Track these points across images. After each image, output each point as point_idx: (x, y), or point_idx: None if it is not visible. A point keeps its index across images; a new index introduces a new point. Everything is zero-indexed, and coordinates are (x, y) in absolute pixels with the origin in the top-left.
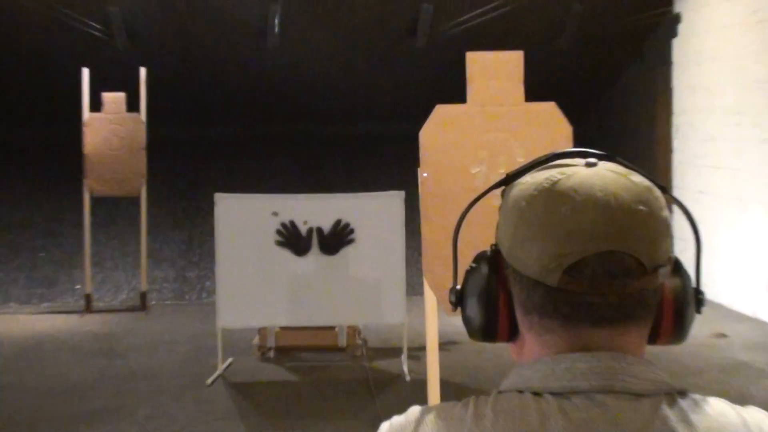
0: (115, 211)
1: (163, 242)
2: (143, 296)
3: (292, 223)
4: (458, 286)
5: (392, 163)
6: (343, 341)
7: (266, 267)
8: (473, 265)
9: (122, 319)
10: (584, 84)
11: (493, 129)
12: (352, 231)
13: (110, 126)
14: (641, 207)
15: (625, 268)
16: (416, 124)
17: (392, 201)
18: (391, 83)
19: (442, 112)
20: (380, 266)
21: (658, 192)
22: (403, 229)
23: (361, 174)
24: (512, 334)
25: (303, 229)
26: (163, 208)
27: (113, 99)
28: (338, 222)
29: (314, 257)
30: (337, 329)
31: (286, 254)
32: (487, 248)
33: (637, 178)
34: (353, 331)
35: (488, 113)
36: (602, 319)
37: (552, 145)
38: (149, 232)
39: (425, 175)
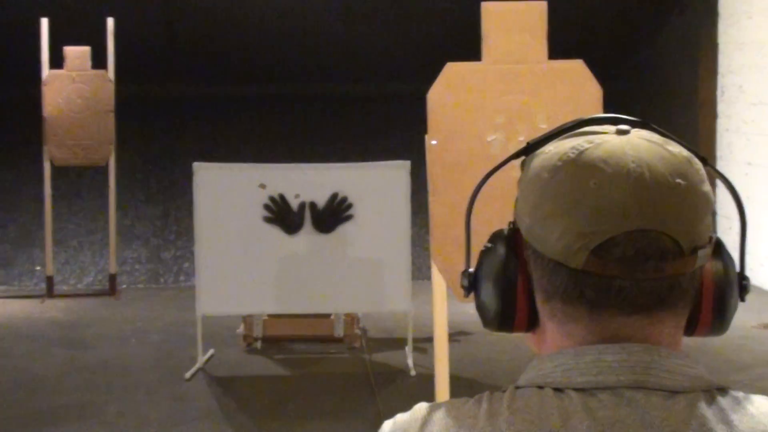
0: (79, 182)
1: (134, 218)
2: (112, 279)
3: (282, 196)
4: (471, 269)
5: (396, 129)
6: (339, 331)
7: (252, 246)
8: (488, 245)
9: (89, 305)
10: (616, 39)
11: (511, 90)
12: (350, 206)
13: (73, 85)
14: (679, 180)
15: (659, 249)
16: (424, 84)
17: (396, 172)
18: (397, 36)
19: (453, 70)
20: (382, 246)
21: (698, 164)
22: (409, 204)
23: (360, 141)
24: (531, 323)
25: (294, 204)
26: (135, 179)
27: (77, 54)
28: (334, 196)
29: (307, 236)
30: (333, 317)
31: (275, 232)
32: (505, 226)
33: (675, 148)
34: (351, 319)
35: (506, 72)
36: (633, 306)
37: (579, 109)
38: (119, 207)
39: (434, 142)
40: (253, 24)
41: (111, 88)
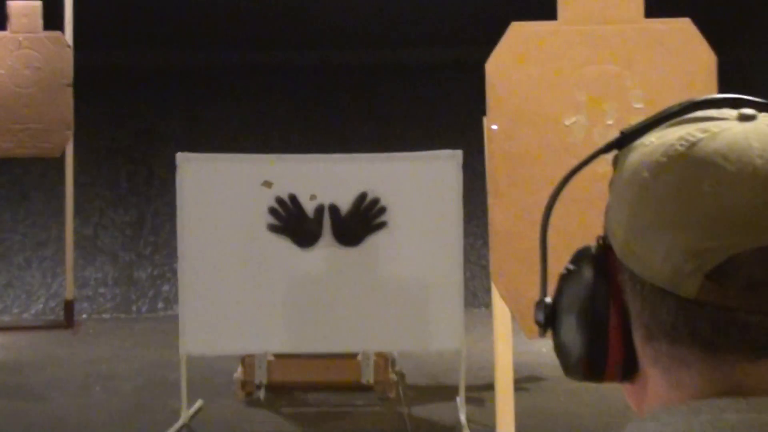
0: (26, 179)
1: (98, 226)
2: (69, 307)
3: (294, 198)
4: (548, 299)
5: (444, 109)
6: (369, 376)
7: (254, 264)
8: (570, 267)
9: (38, 341)
10: None
11: (596, 59)
12: (382, 210)
13: (19, 51)
14: None
15: None
16: (480, 50)
17: (443, 166)
18: None
19: (519, 32)
20: (425, 263)
21: None
22: (460, 207)
23: (396, 124)
24: (628, 369)
25: (309, 208)
26: (99, 175)
27: (23, 10)
28: (362, 197)
29: (326, 249)
30: (360, 358)
31: (285, 245)
32: (591, 241)
33: None
34: (384, 361)
35: (589, 35)
36: (763, 348)
37: (686, 83)
38: (78, 212)
39: (494, 127)
40: None
41: (69, 55)
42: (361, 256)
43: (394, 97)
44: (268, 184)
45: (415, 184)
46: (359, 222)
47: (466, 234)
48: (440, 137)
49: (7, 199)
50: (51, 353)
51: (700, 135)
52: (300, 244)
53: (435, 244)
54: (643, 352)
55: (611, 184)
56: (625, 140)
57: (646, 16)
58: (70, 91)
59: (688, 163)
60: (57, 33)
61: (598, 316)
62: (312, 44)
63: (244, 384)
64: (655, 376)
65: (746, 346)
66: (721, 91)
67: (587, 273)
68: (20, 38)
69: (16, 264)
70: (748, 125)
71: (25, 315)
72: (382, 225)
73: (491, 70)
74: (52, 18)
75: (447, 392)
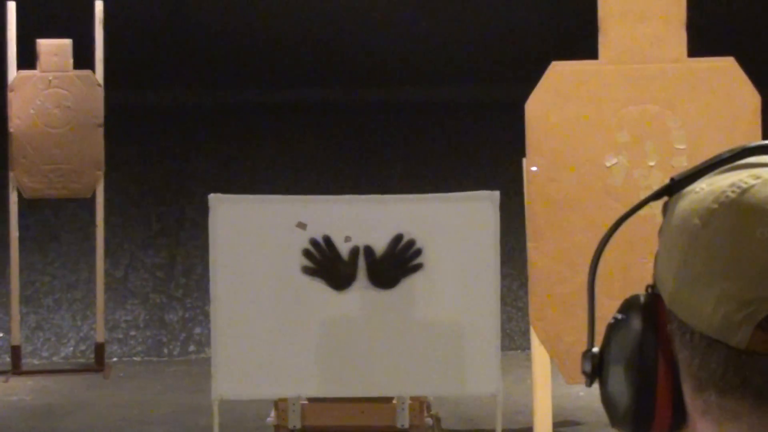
0: (56, 220)
1: (129, 268)
2: (100, 350)
3: (328, 239)
4: (596, 349)
5: (482, 149)
6: (404, 420)
7: (287, 307)
8: (619, 316)
9: (68, 385)
10: None
11: (638, 98)
12: (418, 252)
13: (49, 90)
14: None
15: None
16: (521, 89)
17: (480, 207)
18: (485, 25)
19: (560, 71)
20: (462, 306)
21: None
22: (498, 249)
23: (433, 165)
24: (677, 421)
25: (344, 250)
26: (130, 216)
27: (54, 48)
28: (398, 238)
29: (361, 292)
30: (395, 402)
31: (319, 287)
32: (632, 287)
33: None
34: (420, 404)
35: (631, 74)
36: None
37: (730, 124)
38: (108, 253)
39: (534, 169)
40: (289, 7)
41: (100, 94)
42: (396, 298)
43: (430, 136)
44: (302, 225)
45: (452, 225)
46: (394, 264)
47: (503, 276)
48: (478, 178)
49: (36, 240)
50: (81, 397)
51: (752, 181)
52: (334, 287)
53: (471, 286)
54: (693, 403)
55: (660, 231)
56: (675, 187)
57: (689, 56)
58: (101, 131)
59: (741, 210)
60: (88, 72)
61: (646, 367)
62: (346, 82)
63: (277, 428)
64: (705, 428)
65: None
66: (765, 131)
67: (636, 322)
68: (50, 77)
69: (46, 306)
70: None
71: (54, 358)
72: (417, 267)
73: (531, 110)
74: (82, 56)
75: None
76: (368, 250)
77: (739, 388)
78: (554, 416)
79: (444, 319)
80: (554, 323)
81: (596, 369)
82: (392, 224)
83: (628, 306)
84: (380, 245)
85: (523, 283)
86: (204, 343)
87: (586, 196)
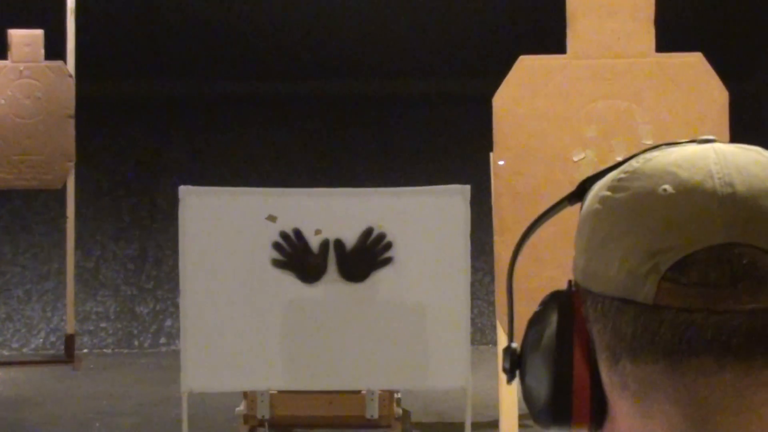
0: (27, 211)
1: (100, 259)
2: (70, 341)
3: (298, 232)
4: (515, 345)
5: (451, 143)
6: (373, 412)
7: (257, 299)
8: (538, 309)
9: (37, 376)
10: (746, 26)
11: (606, 93)
12: (389, 246)
13: (20, 80)
14: None
15: (756, 268)
16: (488, 83)
17: (451, 201)
18: (452, 19)
19: (528, 66)
20: (432, 300)
21: None
22: (468, 243)
23: (403, 158)
24: (598, 414)
25: (314, 243)
26: (101, 208)
27: (25, 39)
28: (368, 232)
29: (331, 285)
30: (364, 394)
31: (288, 280)
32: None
33: None
34: (389, 396)
35: (599, 69)
36: (726, 352)
37: (697, 119)
38: (79, 245)
39: (501, 163)
40: (260, 1)
41: (71, 85)
42: (366, 291)
43: (400, 129)
44: (272, 218)
45: (422, 219)
46: (365, 257)
47: (474, 270)
48: (448, 171)
49: (7, 231)
50: (51, 388)
51: (655, 152)
52: (304, 280)
53: (441, 280)
54: (611, 383)
55: (576, 232)
56: (585, 189)
57: (657, 51)
58: (71, 122)
59: (644, 174)
60: (59, 63)
61: (561, 358)
62: (317, 75)
63: (247, 419)
64: (625, 415)
65: (706, 349)
66: (732, 126)
67: (552, 314)
68: (21, 67)
69: (16, 297)
70: (705, 145)
71: (25, 349)
72: (388, 261)
73: (498, 104)
74: (53, 47)
75: (452, 430)
76: (338, 244)
77: (650, 347)
78: (521, 409)
79: (414, 313)
80: (520, 318)
81: (515, 364)
82: (363, 218)
83: (548, 299)
84: (350, 238)
85: (493, 280)
86: (175, 335)
87: (553, 190)
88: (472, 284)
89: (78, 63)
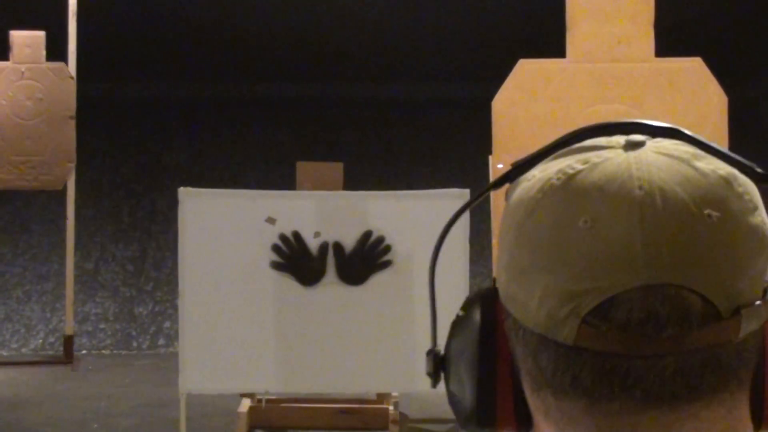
0: (27, 211)
1: (99, 260)
2: (68, 342)
3: (297, 235)
4: (439, 348)
5: (450, 147)
6: (370, 417)
7: (256, 301)
8: (460, 313)
9: (36, 377)
10: (746, 30)
11: (605, 97)
12: (387, 249)
13: (21, 82)
14: (709, 211)
15: (680, 311)
16: (488, 87)
17: (450, 204)
18: (454, 23)
19: (527, 70)
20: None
21: (745, 185)
22: (467, 247)
23: (402, 162)
24: (522, 422)
25: (313, 245)
26: (101, 209)
27: (27, 40)
28: (367, 235)
29: (330, 288)
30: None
31: (287, 282)
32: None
33: (709, 165)
34: (386, 401)
35: (598, 73)
36: (648, 397)
37: (696, 122)
38: (79, 245)
39: (500, 166)
40: (263, 3)
41: (72, 86)
42: (364, 295)
43: (400, 133)
44: (271, 220)
45: (421, 222)
46: (363, 260)
47: (473, 274)
48: (447, 176)
49: (7, 231)
50: (49, 389)
51: (579, 167)
52: (303, 282)
53: (440, 283)
54: (534, 404)
55: (500, 222)
56: (514, 173)
57: (656, 56)
58: (72, 123)
59: (564, 198)
60: (60, 64)
61: (484, 365)
62: (318, 78)
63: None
64: (549, 430)
65: (629, 394)
66: (731, 130)
67: (474, 317)
68: (23, 69)
69: (16, 297)
70: (632, 154)
71: (23, 350)
72: (386, 264)
73: (498, 107)
74: (55, 49)
75: None
76: (337, 247)
77: (570, 387)
78: None
79: (412, 316)
80: None
81: (438, 369)
82: (362, 221)
83: (471, 301)
84: (349, 241)
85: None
86: (173, 337)
87: None
88: (470, 288)
89: (79, 64)
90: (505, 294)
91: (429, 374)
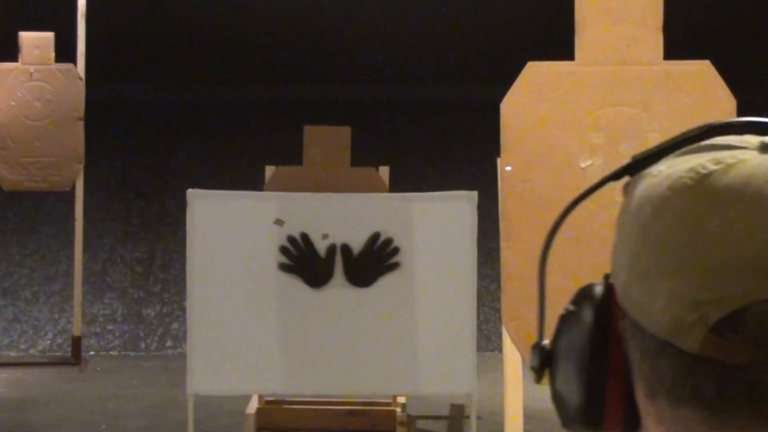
0: (36, 212)
1: (108, 262)
2: (76, 343)
3: (305, 236)
4: (546, 342)
5: (459, 149)
6: (378, 419)
7: (264, 303)
8: (570, 308)
9: (44, 378)
10: (754, 34)
11: (614, 100)
12: (395, 251)
13: (30, 83)
14: None
15: None
16: (497, 89)
17: (458, 207)
18: (461, 25)
19: (536, 72)
20: (438, 306)
21: None
22: (475, 249)
23: (410, 164)
24: (630, 424)
25: (321, 247)
26: (109, 210)
27: (36, 41)
28: (375, 237)
29: (337, 290)
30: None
31: (295, 284)
32: (599, 280)
33: None
34: (393, 404)
35: (607, 76)
36: None
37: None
38: (87, 247)
39: (509, 168)
40: (270, 5)
41: (81, 87)
42: (372, 297)
43: (408, 134)
44: (279, 222)
45: (429, 224)
46: (372, 262)
47: (481, 277)
48: (455, 178)
49: (15, 232)
50: (57, 390)
51: (712, 167)
52: (311, 284)
53: (448, 286)
54: (646, 409)
55: (619, 216)
56: (636, 166)
57: (665, 58)
58: (81, 124)
59: (696, 200)
60: (69, 65)
61: (596, 366)
62: (326, 80)
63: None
64: None
65: (755, 409)
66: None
67: (587, 314)
68: (31, 70)
69: (23, 298)
70: None
71: (31, 351)
72: (394, 266)
73: (506, 109)
74: (64, 50)
75: None
76: (345, 248)
77: (691, 397)
78: (530, 418)
79: (420, 318)
80: (527, 324)
81: (544, 364)
82: (370, 222)
83: (582, 296)
84: (358, 243)
85: (500, 287)
86: (181, 338)
87: (560, 196)
88: (478, 291)
89: (88, 66)
90: (624, 294)
91: (533, 369)
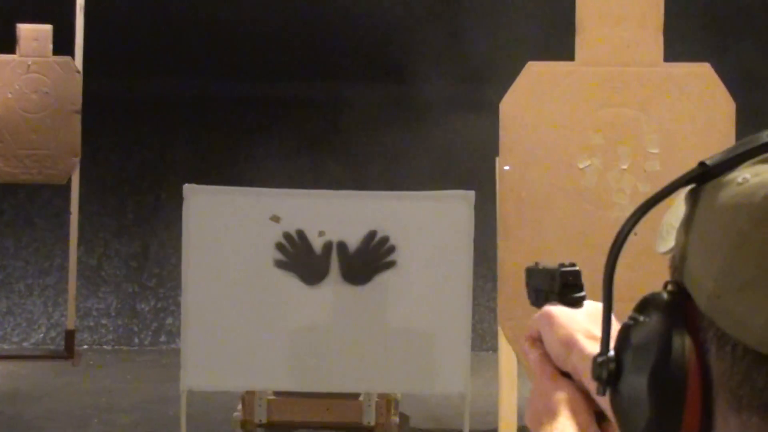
0: (31, 205)
1: (103, 256)
2: (70, 337)
3: (301, 233)
4: (611, 352)
5: (457, 148)
6: (371, 417)
7: (258, 299)
8: (638, 317)
9: (37, 371)
10: (754, 37)
11: (613, 101)
12: (392, 249)
13: (28, 75)
14: None
15: None
16: (496, 89)
17: (455, 206)
18: (459, 25)
19: (536, 72)
20: (433, 304)
21: None
22: (471, 248)
23: (407, 162)
24: None
25: (317, 244)
26: (105, 204)
27: (34, 33)
28: (371, 235)
29: (333, 287)
30: (362, 399)
31: (291, 281)
32: (657, 289)
33: None
34: (387, 402)
35: (607, 77)
36: None
37: (704, 128)
38: (82, 240)
39: (507, 168)
40: (271, 1)
41: (78, 80)
42: (368, 294)
43: (406, 133)
44: (276, 218)
45: (426, 223)
46: (367, 260)
47: (476, 276)
48: (452, 177)
49: (10, 225)
50: (50, 384)
51: None
52: (306, 281)
53: (444, 285)
54: (726, 423)
55: (687, 223)
56: (708, 174)
57: (665, 60)
58: (78, 117)
59: None
60: (67, 58)
61: (673, 376)
62: (325, 77)
63: (243, 423)
64: None
65: None
66: (739, 137)
67: (661, 325)
68: (29, 62)
69: (18, 291)
70: None
71: (25, 344)
72: (390, 264)
73: (505, 109)
74: (62, 43)
75: None
76: (341, 246)
77: None
78: (519, 417)
79: (415, 317)
80: (523, 323)
81: (611, 375)
82: (366, 220)
83: (649, 306)
84: (354, 241)
85: (496, 284)
86: (175, 333)
87: (558, 196)
88: (473, 290)
89: (86, 59)
90: (713, 305)
91: (598, 379)
